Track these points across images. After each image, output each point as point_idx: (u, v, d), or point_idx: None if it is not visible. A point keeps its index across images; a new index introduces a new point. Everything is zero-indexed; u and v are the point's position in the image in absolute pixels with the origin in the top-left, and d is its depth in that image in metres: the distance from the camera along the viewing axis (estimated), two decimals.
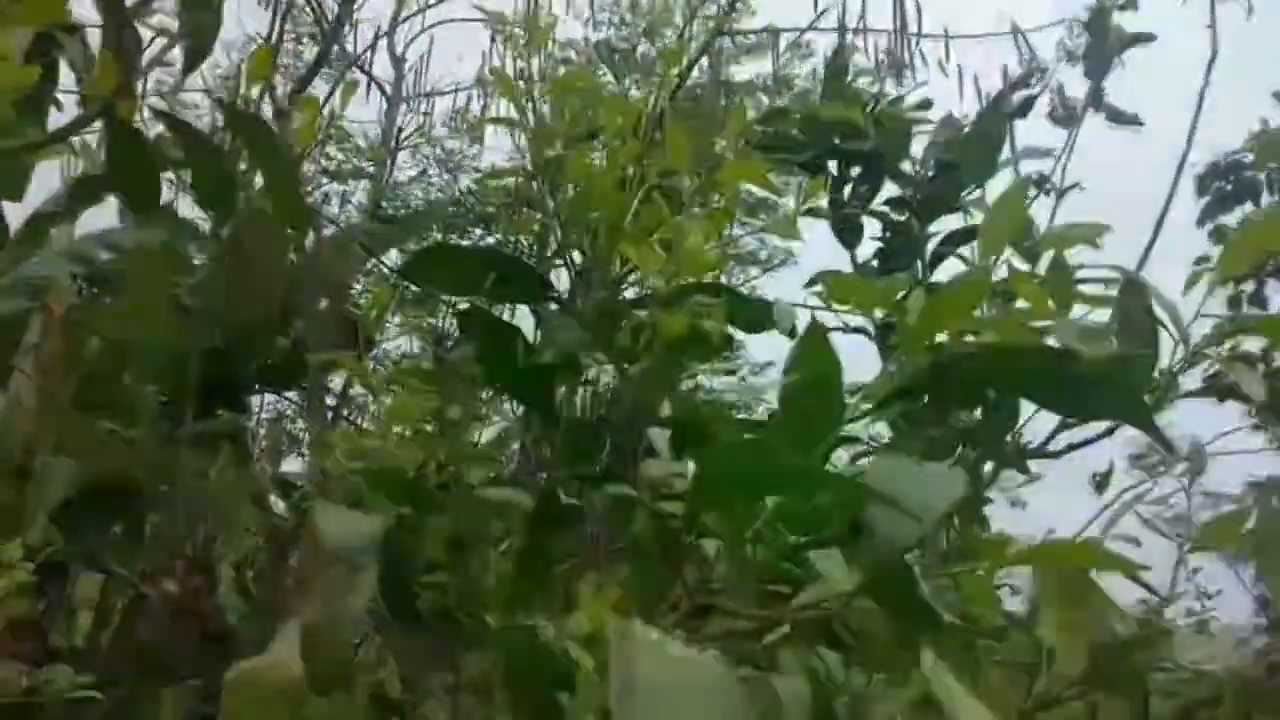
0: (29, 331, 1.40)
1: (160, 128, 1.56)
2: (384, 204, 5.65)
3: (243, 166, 1.59)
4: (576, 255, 1.74)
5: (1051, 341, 1.30)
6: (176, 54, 1.64)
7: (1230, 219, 5.84)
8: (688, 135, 1.57)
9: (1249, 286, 5.88)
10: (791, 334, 1.61)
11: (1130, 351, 1.43)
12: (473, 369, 1.42)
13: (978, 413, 1.66)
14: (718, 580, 1.17)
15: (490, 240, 5.81)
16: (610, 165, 1.56)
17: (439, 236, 5.82)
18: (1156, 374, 1.50)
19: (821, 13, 4.88)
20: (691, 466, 1.23)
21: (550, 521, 1.32)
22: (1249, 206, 5.84)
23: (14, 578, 1.43)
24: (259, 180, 1.55)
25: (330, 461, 1.43)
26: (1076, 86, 2.67)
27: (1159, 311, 1.52)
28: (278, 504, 1.70)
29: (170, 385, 1.50)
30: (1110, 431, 1.81)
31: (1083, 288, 1.60)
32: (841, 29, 4.59)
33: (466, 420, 1.42)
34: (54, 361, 1.44)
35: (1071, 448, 1.87)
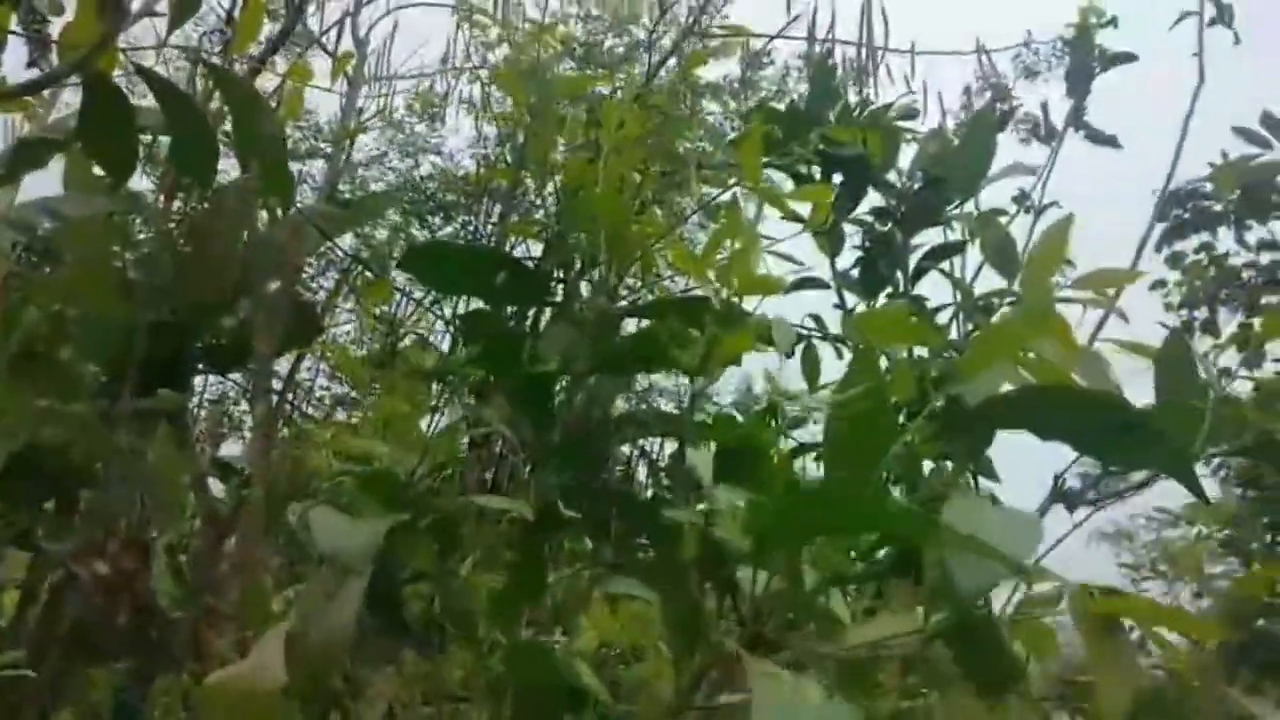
0: None
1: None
2: (341, 186, 5.57)
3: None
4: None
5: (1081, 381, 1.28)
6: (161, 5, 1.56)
7: (1187, 245, 5.97)
8: (649, 131, 1.55)
9: (1202, 313, 6.01)
10: (790, 353, 1.60)
11: (1181, 403, 1.40)
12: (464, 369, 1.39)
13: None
14: (768, 610, 1.13)
15: (449, 229, 5.75)
16: (610, 173, 1.52)
17: (397, 220, 5.75)
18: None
19: (792, 19, 4.91)
20: (734, 496, 1.18)
21: (547, 533, 1.30)
22: (1205, 235, 5.97)
23: None
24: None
25: (317, 460, 1.40)
26: (1042, 104, 2.70)
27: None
28: (216, 486, 1.67)
29: (110, 360, 1.46)
30: (1145, 484, 1.79)
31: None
32: (811, 38, 4.61)
33: (455, 426, 1.40)
34: None
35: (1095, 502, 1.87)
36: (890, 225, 2.23)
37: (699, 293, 1.46)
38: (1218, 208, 5.82)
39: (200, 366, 1.64)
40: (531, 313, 1.92)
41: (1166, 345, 1.48)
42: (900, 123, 2.35)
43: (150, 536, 1.53)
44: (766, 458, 1.25)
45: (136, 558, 1.46)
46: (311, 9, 4.19)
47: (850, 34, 4.59)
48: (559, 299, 1.60)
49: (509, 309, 1.77)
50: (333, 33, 4.59)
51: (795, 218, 1.68)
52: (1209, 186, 5.66)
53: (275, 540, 1.59)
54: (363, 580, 1.08)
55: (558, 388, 1.40)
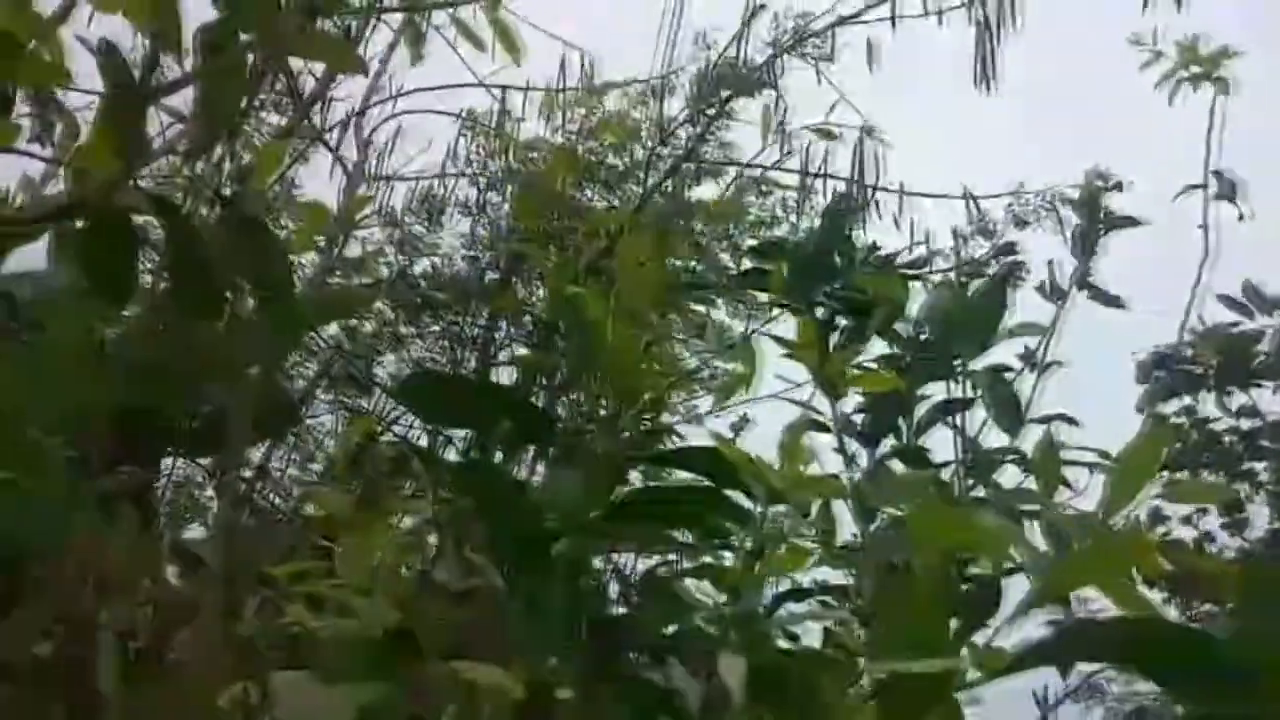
0: None
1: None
2: (331, 280, 5.61)
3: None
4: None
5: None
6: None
7: (1168, 408, 6.06)
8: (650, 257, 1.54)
9: (1184, 475, 6.07)
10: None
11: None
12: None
13: None
14: None
15: (435, 328, 5.77)
16: (624, 307, 1.47)
17: (389, 314, 5.77)
18: None
19: (786, 154, 5.04)
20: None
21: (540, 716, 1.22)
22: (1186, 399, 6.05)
23: None
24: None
25: (294, 613, 1.34)
26: (1048, 263, 2.75)
27: None
28: (172, 572, 1.62)
29: (77, 437, 1.43)
30: None
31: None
32: (804, 172, 4.74)
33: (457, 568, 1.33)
34: None
35: None
36: (896, 375, 2.23)
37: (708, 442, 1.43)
38: (1199, 371, 5.93)
39: (169, 449, 1.61)
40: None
41: (1251, 571, 1.39)
42: (910, 271, 2.38)
43: (100, 622, 1.48)
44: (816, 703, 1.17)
45: (83, 643, 1.41)
46: (316, 106, 4.29)
47: (843, 168, 4.72)
48: (563, 441, 1.53)
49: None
50: (337, 131, 4.69)
51: (797, 356, 1.68)
52: (1190, 351, 5.78)
53: (229, 634, 1.54)
54: None
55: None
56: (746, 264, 2.47)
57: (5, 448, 1.30)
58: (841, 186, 4.77)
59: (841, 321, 2.25)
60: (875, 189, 4.67)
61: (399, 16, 4.28)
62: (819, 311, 2.18)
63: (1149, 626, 1.13)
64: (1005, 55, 5.03)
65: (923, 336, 2.25)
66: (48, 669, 1.37)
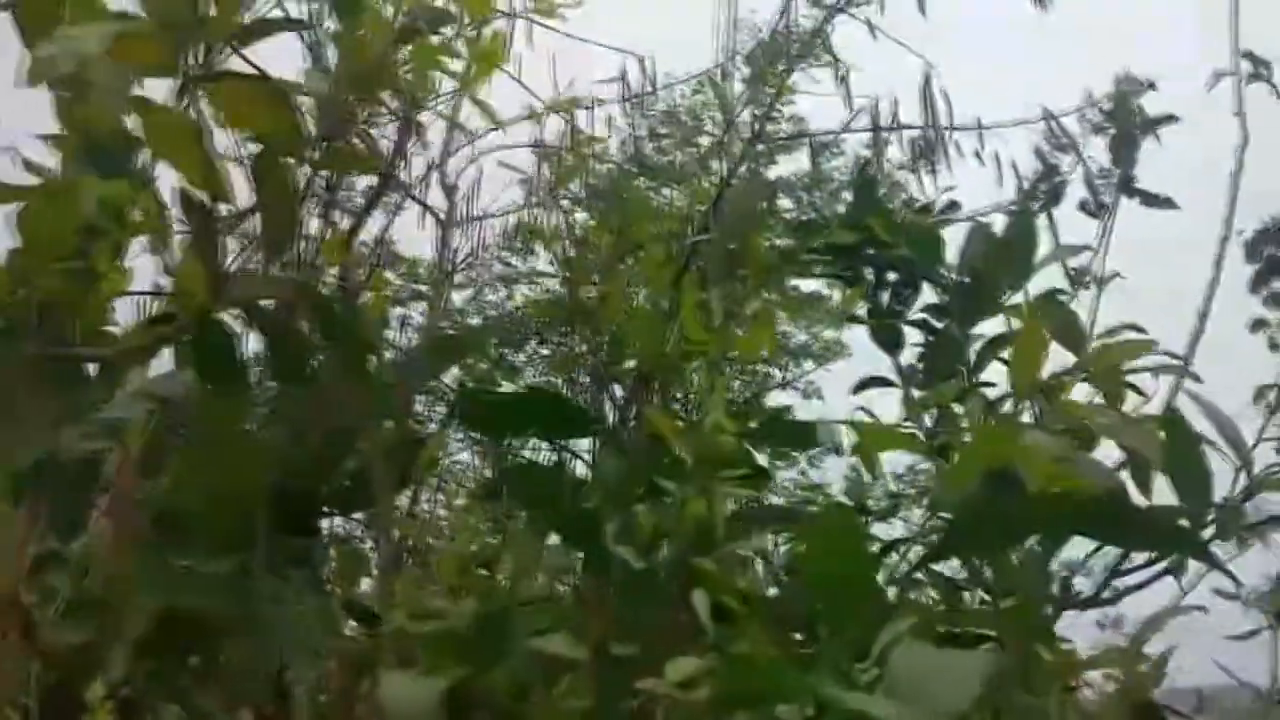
0: (108, 472, 1.47)
1: None
2: (442, 324, 5.79)
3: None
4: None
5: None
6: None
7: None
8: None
9: None
10: (838, 450, 1.63)
11: (1177, 509, 1.39)
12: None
13: None
14: None
15: (544, 351, 5.90)
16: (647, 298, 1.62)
17: (497, 351, 5.91)
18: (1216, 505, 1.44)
19: (855, 114, 5.00)
20: None
21: (613, 683, 1.31)
22: None
23: (100, 718, 1.46)
24: None
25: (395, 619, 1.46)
26: (1086, 180, 2.69)
27: (1215, 432, 1.47)
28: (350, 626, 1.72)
29: (241, 516, 1.54)
30: (1171, 570, 1.75)
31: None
32: (876, 128, 4.69)
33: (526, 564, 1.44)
34: (126, 500, 1.50)
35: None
36: (946, 321, 2.24)
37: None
38: None
39: (325, 510, 1.72)
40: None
41: (1165, 430, 1.46)
42: (944, 217, 2.37)
43: (291, 681, 1.58)
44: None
45: (278, 705, 1.52)
46: (401, 164, 4.44)
47: (915, 117, 4.66)
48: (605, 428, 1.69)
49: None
50: (422, 183, 4.84)
51: (855, 320, 1.73)
52: None
53: None
54: None
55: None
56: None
57: (181, 536, 1.42)
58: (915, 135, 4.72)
59: (891, 277, 2.27)
60: (951, 129, 4.60)
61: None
62: (867, 274, 2.21)
63: (1071, 499, 1.24)
64: None
65: (965, 281, 2.25)
66: None
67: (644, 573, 1.42)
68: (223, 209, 1.53)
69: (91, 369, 1.67)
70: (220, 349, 1.48)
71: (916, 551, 1.57)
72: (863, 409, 2.10)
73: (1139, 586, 1.79)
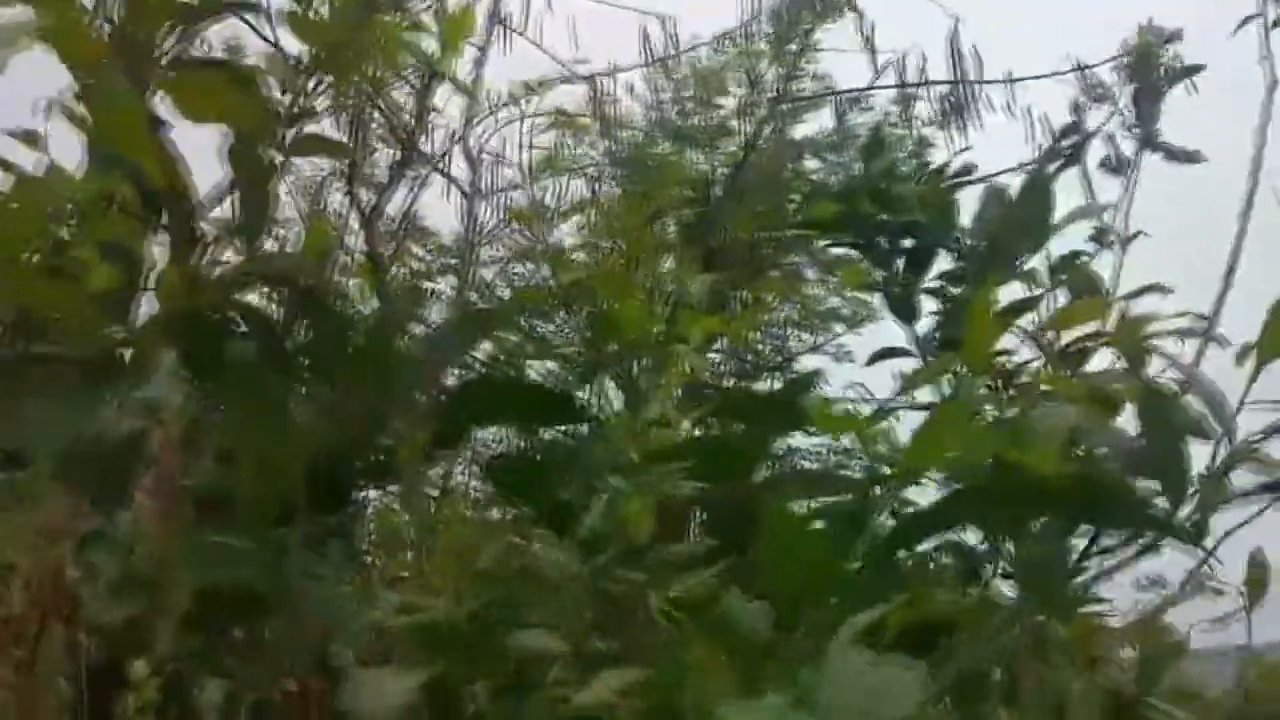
0: (148, 451, 1.48)
1: None
2: (471, 296, 5.80)
3: None
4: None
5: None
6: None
7: None
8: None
9: None
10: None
11: (1146, 491, 1.36)
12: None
13: None
14: None
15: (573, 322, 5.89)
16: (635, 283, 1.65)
17: (524, 323, 5.92)
18: (1196, 478, 1.41)
19: (883, 69, 4.93)
20: None
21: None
22: None
23: (145, 694, 1.49)
24: None
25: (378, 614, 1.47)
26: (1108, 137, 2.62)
27: (1200, 400, 1.44)
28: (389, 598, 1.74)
29: (280, 491, 1.56)
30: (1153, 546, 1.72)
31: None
32: (902, 84, 4.62)
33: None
34: (169, 478, 1.52)
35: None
36: (962, 288, 2.20)
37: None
38: None
39: (361, 483, 1.74)
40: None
41: (1142, 402, 1.43)
42: (959, 180, 2.33)
43: (336, 653, 1.61)
44: None
45: (324, 677, 1.54)
46: (423, 138, 4.44)
47: (944, 73, 4.58)
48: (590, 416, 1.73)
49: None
50: (445, 155, 4.84)
51: (867, 286, 1.72)
52: None
53: None
54: None
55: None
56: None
57: (221, 514, 1.44)
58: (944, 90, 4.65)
59: (905, 244, 2.23)
60: (981, 83, 4.52)
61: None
62: (881, 242, 2.18)
63: (1041, 483, 1.23)
64: None
65: (980, 246, 2.20)
66: (295, 701, 1.51)
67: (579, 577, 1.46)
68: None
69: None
70: (208, 343, 1.49)
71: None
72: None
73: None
